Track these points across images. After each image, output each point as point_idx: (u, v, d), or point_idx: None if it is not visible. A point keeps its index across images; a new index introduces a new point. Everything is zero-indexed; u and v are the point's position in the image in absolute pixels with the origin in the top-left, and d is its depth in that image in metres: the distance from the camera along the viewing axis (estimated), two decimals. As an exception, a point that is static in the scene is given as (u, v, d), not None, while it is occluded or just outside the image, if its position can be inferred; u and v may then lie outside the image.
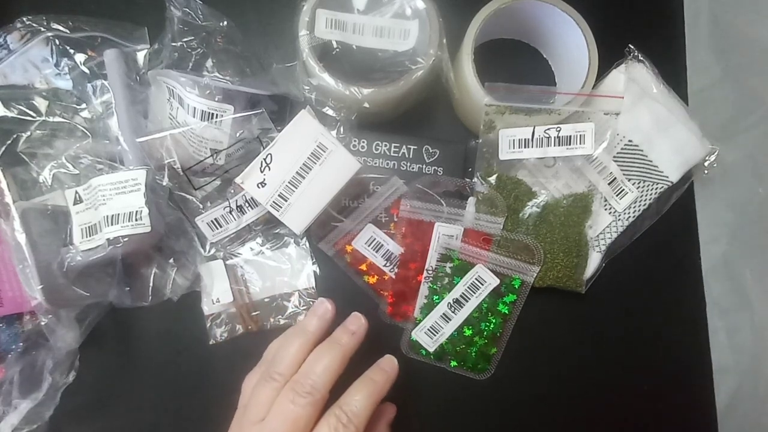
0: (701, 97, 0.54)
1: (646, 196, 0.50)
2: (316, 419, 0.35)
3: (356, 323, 0.40)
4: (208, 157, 0.46)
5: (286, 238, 0.51)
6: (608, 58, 0.50)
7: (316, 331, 0.39)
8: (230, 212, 0.48)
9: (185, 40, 0.49)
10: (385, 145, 0.50)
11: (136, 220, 0.44)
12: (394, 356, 0.41)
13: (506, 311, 0.48)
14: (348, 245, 0.50)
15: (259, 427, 0.35)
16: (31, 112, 0.49)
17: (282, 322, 0.50)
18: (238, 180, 0.44)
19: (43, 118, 0.49)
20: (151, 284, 0.49)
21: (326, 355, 0.37)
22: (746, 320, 0.52)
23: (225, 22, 0.49)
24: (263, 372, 0.38)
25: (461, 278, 0.48)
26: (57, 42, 0.50)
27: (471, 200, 0.49)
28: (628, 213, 0.50)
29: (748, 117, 0.54)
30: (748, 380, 0.51)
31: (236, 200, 0.48)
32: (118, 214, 0.44)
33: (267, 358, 0.41)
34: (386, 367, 0.40)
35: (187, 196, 0.48)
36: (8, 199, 0.44)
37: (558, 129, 0.48)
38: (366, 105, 0.46)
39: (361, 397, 0.36)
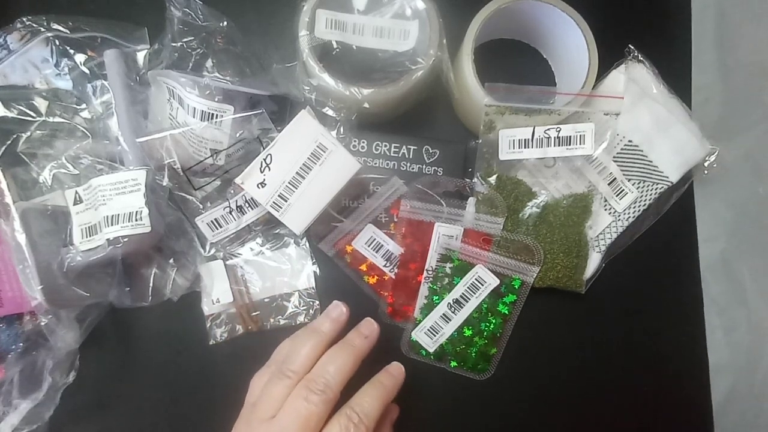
0: (701, 96, 0.54)
1: (645, 196, 0.50)
2: (327, 419, 0.36)
3: (369, 328, 0.41)
4: (208, 158, 0.46)
5: (286, 238, 0.51)
6: (608, 58, 0.50)
7: (330, 333, 0.40)
8: (230, 212, 0.48)
9: (185, 40, 0.49)
10: (385, 146, 0.50)
11: (136, 220, 0.44)
12: (394, 357, 0.41)
13: (506, 311, 0.48)
14: (348, 245, 0.50)
15: (269, 424, 0.35)
16: (31, 113, 0.49)
17: (282, 322, 0.50)
18: (238, 180, 0.44)
19: (43, 118, 0.49)
20: (151, 284, 0.49)
21: (340, 356, 0.38)
22: (743, 318, 0.52)
23: (225, 22, 0.49)
24: (275, 370, 0.38)
25: (461, 278, 0.48)
26: (57, 42, 0.50)
27: (471, 200, 0.49)
28: (628, 213, 0.50)
29: (748, 117, 0.54)
30: (744, 378, 0.51)
31: (236, 200, 0.48)
32: (118, 215, 0.44)
33: (277, 357, 0.41)
34: (395, 372, 0.40)
35: (187, 197, 0.48)
36: (8, 199, 0.44)
37: (558, 129, 0.48)
38: (366, 105, 0.46)
39: (371, 398, 0.37)
